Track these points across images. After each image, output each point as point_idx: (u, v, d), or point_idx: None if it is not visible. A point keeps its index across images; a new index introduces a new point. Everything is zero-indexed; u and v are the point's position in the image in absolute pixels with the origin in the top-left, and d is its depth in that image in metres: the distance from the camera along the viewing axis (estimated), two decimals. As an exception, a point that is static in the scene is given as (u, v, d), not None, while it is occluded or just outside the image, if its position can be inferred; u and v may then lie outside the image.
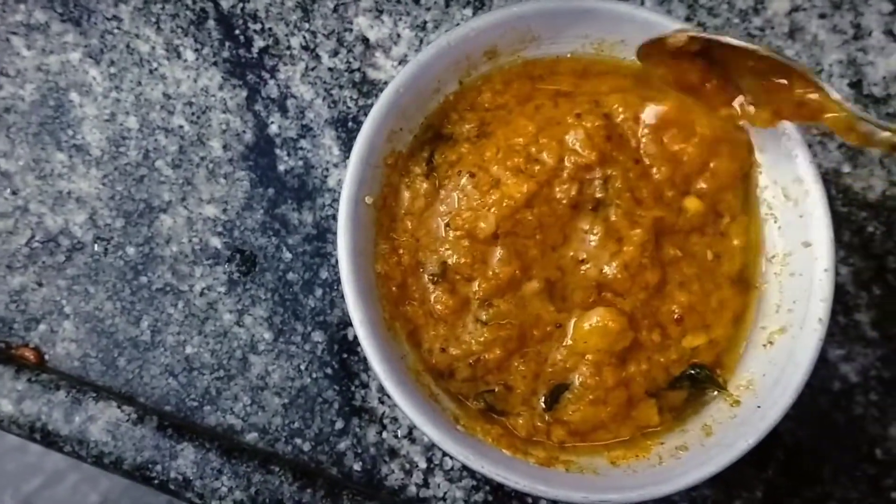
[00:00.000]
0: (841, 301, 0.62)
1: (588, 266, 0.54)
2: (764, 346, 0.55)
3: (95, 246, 0.62)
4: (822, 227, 0.53)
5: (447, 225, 0.54)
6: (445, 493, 0.59)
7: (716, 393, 0.55)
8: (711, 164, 0.55)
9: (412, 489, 0.59)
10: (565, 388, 0.53)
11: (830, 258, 0.53)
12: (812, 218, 0.54)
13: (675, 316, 0.54)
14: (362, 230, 0.54)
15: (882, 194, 0.64)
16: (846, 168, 0.64)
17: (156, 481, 0.57)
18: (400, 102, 0.55)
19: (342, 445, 0.59)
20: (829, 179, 0.64)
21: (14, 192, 0.62)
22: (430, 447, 0.59)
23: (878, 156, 0.64)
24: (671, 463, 0.52)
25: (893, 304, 0.62)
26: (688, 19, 0.66)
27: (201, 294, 0.61)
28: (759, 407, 0.52)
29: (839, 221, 0.63)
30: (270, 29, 0.66)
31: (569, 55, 0.59)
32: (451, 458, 0.55)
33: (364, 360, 0.60)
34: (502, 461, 0.51)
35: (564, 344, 0.53)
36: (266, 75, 0.65)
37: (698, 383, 0.55)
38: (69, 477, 1.18)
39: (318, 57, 0.65)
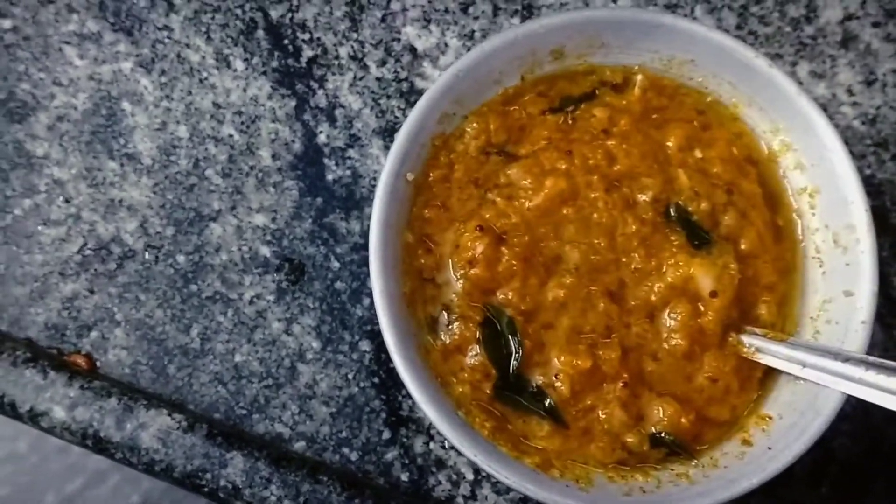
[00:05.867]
0: (895, 314, 0.61)
1: (647, 285, 0.54)
2: (789, 387, 0.54)
3: (146, 254, 0.62)
4: (867, 279, 0.52)
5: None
6: (492, 504, 0.59)
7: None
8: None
9: (459, 500, 0.59)
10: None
11: (870, 311, 0.52)
12: (859, 268, 0.53)
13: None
14: (398, 204, 0.54)
15: (938, 206, 0.63)
16: (901, 179, 0.63)
17: (206, 489, 0.57)
18: (457, 87, 0.56)
19: (389, 455, 0.59)
20: (884, 191, 0.63)
21: (67, 201, 0.63)
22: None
23: (933, 167, 0.63)
24: (669, 489, 0.52)
25: (949, 318, 0.61)
26: (738, 27, 0.65)
27: (250, 302, 0.62)
28: (769, 448, 0.52)
29: (894, 234, 0.62)
30: (319, 39, 0.66)
31: (636, 67, 0.59)
32: (447, 442, 0.55)
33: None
34: (495, 454, 0.50)
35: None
36: (314, 85, 0.65)
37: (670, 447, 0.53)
38: (111, 477, 1.19)
39: (365, 67, 0.65)
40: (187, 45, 0.66)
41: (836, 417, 0.57)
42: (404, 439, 0.59)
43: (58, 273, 0.62)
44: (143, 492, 1.18)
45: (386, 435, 0.60)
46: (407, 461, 0.59)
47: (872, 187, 0.63)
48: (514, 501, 0.59)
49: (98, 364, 0.61)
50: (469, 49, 0.64)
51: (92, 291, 0.62)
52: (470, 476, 0.59)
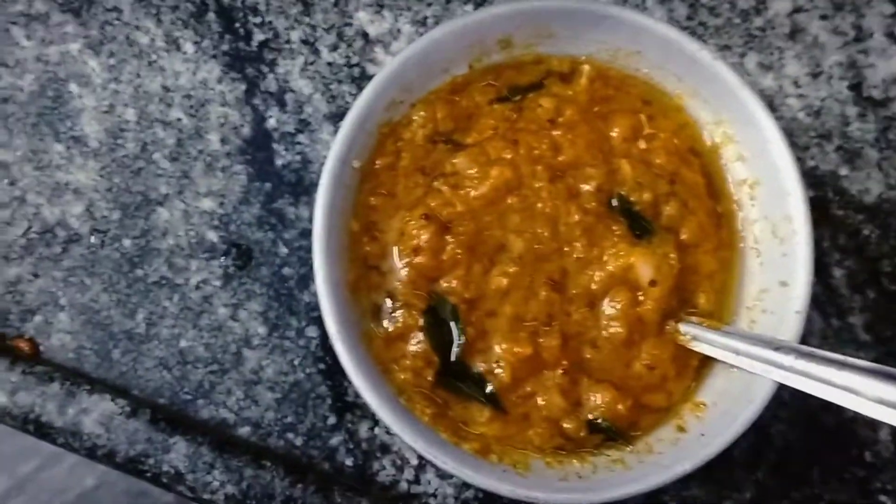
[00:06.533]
0: (835, 304, 0.62)
1: (589, 274, 0.54)
2: (724, 375, 0.55)
3: (92, 238, 0.62)
4: (802, 269, 0.53)
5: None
6: (436, 489, 0.59)
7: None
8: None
9: (403, 485, 0.59)
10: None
11: (805, 301, 0.53)
12: (795, 259, 0.54)
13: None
14: (343, 191, 0.54)
15: (878, 197, 0.64)
16: (844, 171, 0.64)
17: (148, 474, 0.57)
18: (405, 75, 0.56)
19: (334, 441, 0.60)
20: (827, 182, 0.64)
21: (11, 183, 0.62)
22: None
23: (875, 159, 0.64)
24: (605, 474, 0.52)
25: (887, 307, 0.62)
26: (689, 19, 0.66)
27: (197, 288, 0.61)
28: (702, 435, 0.52)
29: (836, 224, 0.64)
30: (270, 22, 0.65)
31: (583, 57, 0.59)
32: (389, 430, 0.56)
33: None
34: (435, 440, 0.51)
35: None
36: (265, 69, 0.65)
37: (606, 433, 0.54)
38: (66, 459, 1.19)
39: (317, 51, 0.65)
40: (137, 27, 0.65)
41: (774, 404, 0.58)
42: (349, 424, 0.60)
43: (1, 257, 0.62)
44: (98, 474, 1.18)
45: (331, 420, 0.60)
46: (352, 446, 0.60)
47: (816, 178, 0.64)
48: (457, 486, 0.59)
49: (41, 349, 0.61)
50: (422, 35, 0.64)
51: (36, 275, 0.62)
52: (414, 461, 0.60)
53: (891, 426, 0.61)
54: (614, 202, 0.55)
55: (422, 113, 0.57)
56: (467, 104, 0.58)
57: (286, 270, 0.62)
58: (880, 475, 0.60)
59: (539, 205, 0.55)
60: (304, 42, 0.65)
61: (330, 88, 0.65)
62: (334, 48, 0.65)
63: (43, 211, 0.62)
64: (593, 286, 0.54)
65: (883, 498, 0.60)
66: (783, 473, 0.60)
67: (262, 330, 0.61)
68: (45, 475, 1.18)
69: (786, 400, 0.60)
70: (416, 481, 0.59)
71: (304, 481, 0.57)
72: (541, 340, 0.53)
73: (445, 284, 0.53)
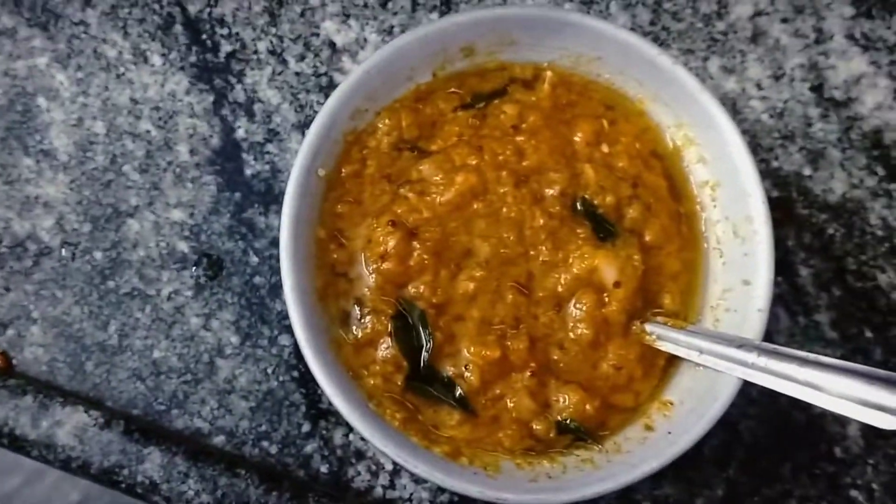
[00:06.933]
0: (801, 302, 0.63)
1: (554, 276, 0.55)
2: (689, 373, 0.56)
3: (63, 251, 0.62)
4: (763, 268, 0.54)
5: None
6: (411, 494, 0.60)
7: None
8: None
9: (378, 490, 0.60)
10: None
11: (766, 299, 0.54)
12: (756, 258, 0.55)
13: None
14: (310, 200, 0.55)
15: (842, 196, 0.65)
16: (807, 171, 0.65)
17: (123, 485, 0.58)
18: (370, 83, 0.56)
19: (309, 448, 0.60)
20: (791, 182, 0.65)
21: (-19, 198, 0.63)
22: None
23: (838, 159, 0.65)
24: (574, 474, 0.53)
25: (852, 305, 0.63)
26: (652, 24, 0.67)
27: (168, 298, 0.62)
28: (669, 433, 0.53)
29: (800, 223, 0.64)
30: (237, 34, 0.66)
31: (546, 64, 0.60)
32: (361, 436, 0.56)
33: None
34: (405, 445, 0.52)
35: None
36: (233, 80, 0.65)
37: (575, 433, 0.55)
38: (49, 475, 1.18)
39: (284, 61, 0.66)
40: (104, 41, 0.65)
41: (743, 402, 0.59)
42: (324, 431, 0.60)
43: (-28, 271, 0.62)
44: (81, 489, 1.17)
45: (305, 428, 0.60)
46: (326, 453, 0.60)
47: (780, 179, 0.65)
48: (432, 490, 0.60)
49: (14, 362, 0.61)
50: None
51: (8, 289, 0.62)
52: (389, 466, 0.60)
53: (859, 422, 0.62)
54: (578, 206, 0.56)
55: (387, 121, 0.57)
56: (432, 112, 0.59)
57: (257, 279, 0.62)
58: (850, 471, 0.61)
59: (504, 210, 0.55)
60: (272, 52, 0.66)
61: (298, 98, 0.65)
62: (302, 58, 0.66)
63: (13, 225, 0.62)
64: (559, 289, 0.55)
65: (853, 493, 0.61)
66: (754, 470, 0.61)
67: (234, 339, 0.61)
68: (28, 491, 1.18)
69: (755, 397, 0.61)
70: (392, 486, 0.60)
71: (280, 489, 0.58)
72: (508, 343, 0.53)
73: (413, 290, 0.54)
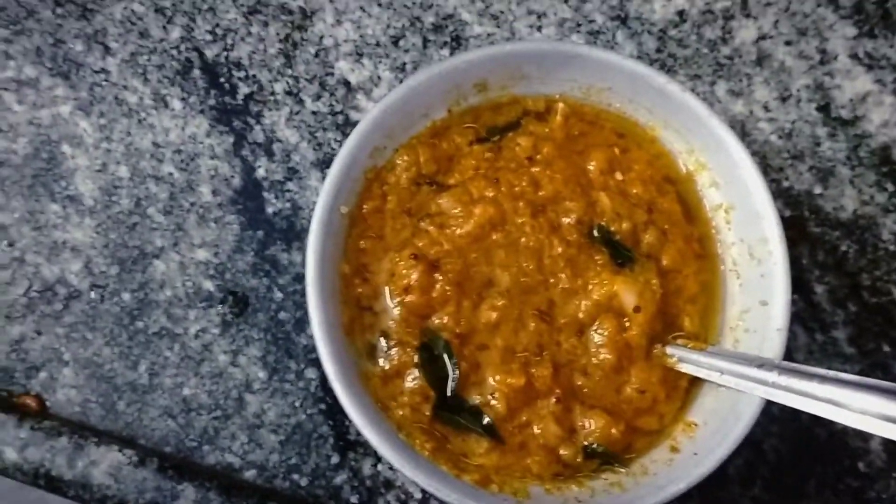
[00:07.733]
0: (818, 319, 0.64)
1: (575, 303, 0.56)
2: (712, 394, 0.57)
3: (92, 293, 0.64)
4: (780, 288, 0.55)
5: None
6: (440, 521, 0.61)
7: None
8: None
9: (408, 519, 0.61)
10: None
11: (785, 319, 0.54)
12: (773, 279, 0.55)
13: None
14: (333, 237, 0.56)
15: (853, 213, 0.66)
16: (818, 189, 0.66)
17: (158, 522, 0.59)
18: (386, 122, 0.58)
19: (339, 479, 0.61)
20: (802, 201, 0.66)
21: (10, 244, 0.64)
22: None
23: (848, 176, 0.66)
24: (602, 497, 0.54)
25: (869, 320, 0.64)
26: (658, 51, 0.68)
27: (196, 336, 0.63)
28: (695, 454, 0.54)
29: (813, 242, 0.65)
30: (254, 76, 0.68)
31: (557, 96, 0.61)
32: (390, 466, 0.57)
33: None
34: (436, 473, 0.52)
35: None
36: (252, 121, 0.67)
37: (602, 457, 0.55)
38: (73, 514, 1.18)
39: (301, 101, 0.67)
40: (125, 87, 0.67)
41: (765, 420, 0.60)
42: (353, 462, 0.61)
43: (4, 316, 0.63)
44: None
45: (335, 459, 0.61)
46: (356, 483, 0.61)
47: (791, 198, 0.66)
48: (460, 518, 0.61)
49: (48, 404, 0.62)
50: (401, 81, 0.66)
51: (39, 333, 0.63)
52: (418, 495, 0.61)
53: (881, 436, 0.62)
54: (595, 233, 0.57)
55: (405, 157, 0.59)
56: (448, 146, 0.60)
57: (282, 315, 0.63)
58: (874, 485, 0.62)
59: (523, 239, 0.56)
60: (288, 93, 0.67)
61: (316, 136, 0.67)
62: (318, 97, 0.67)
63: (42, 270, 0.64)
64: (580, 315, 0.56)
65: (877, 506, 0.61)
66: (778, 488, 0.62)
67: (262, 374, 0.62)
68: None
69: (776, 415, 0.62)
70: (420, 515, 0.61)
71: (310, 521, 0.59)
72: (533, 370, 0.54)
73: (437, 321, 0.55)
